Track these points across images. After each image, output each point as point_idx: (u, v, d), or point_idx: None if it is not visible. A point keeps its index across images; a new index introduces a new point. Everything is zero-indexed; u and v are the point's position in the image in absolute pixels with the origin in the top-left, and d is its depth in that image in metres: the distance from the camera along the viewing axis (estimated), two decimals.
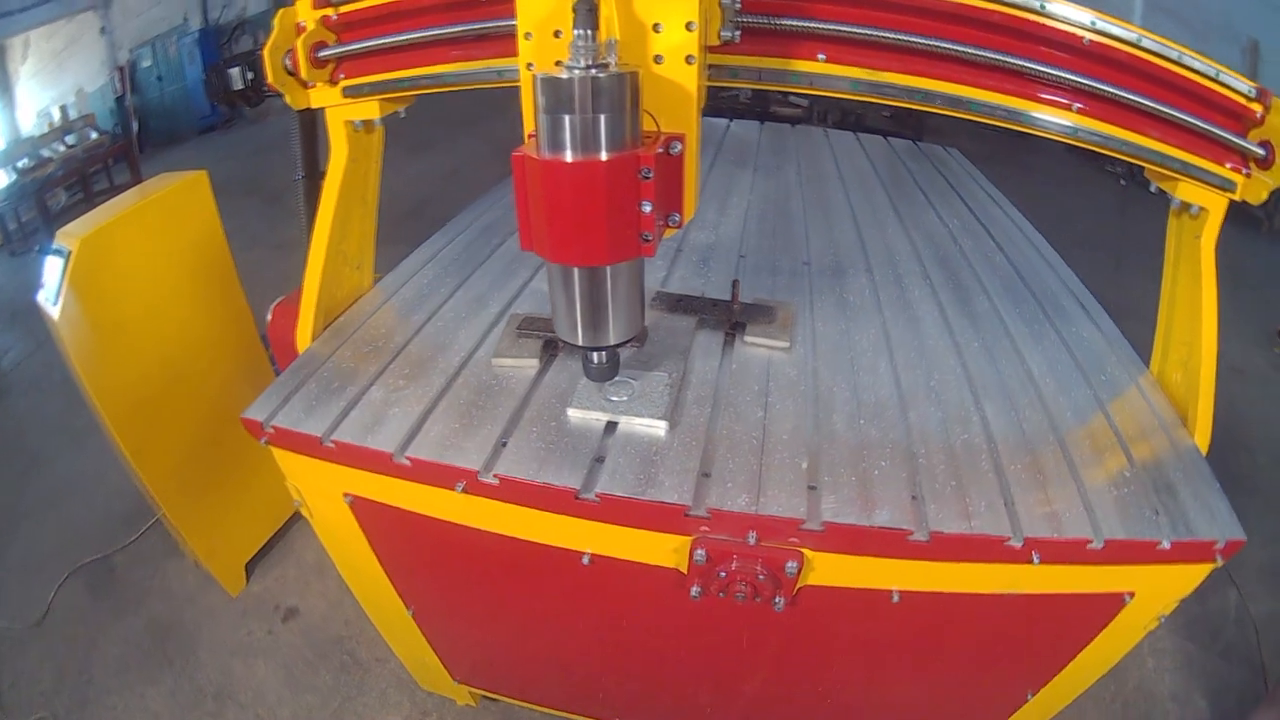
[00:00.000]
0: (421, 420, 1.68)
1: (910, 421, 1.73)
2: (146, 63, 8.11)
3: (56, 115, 6.99)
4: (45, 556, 3.36)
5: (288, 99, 1.88)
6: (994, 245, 2.75)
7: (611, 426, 1.67)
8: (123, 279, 2.51)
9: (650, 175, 1.23)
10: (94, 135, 7.10)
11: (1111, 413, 1.83)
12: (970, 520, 1.48)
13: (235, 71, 2.23)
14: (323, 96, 1.90)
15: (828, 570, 1.55)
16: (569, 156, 1.20)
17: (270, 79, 1.82)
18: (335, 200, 1.98)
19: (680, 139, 1.30)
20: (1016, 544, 1.45)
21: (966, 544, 1.46)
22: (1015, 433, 1.74)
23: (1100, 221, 6.79)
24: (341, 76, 1.86)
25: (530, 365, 1.85)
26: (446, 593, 2.07)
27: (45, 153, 6.68)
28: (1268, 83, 1.55)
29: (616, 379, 1.69)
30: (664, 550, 1.57)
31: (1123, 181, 7.74)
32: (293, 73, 1.82)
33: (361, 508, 1.80)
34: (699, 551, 1.51)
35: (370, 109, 1.89)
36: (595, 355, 1.51)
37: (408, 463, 1.59)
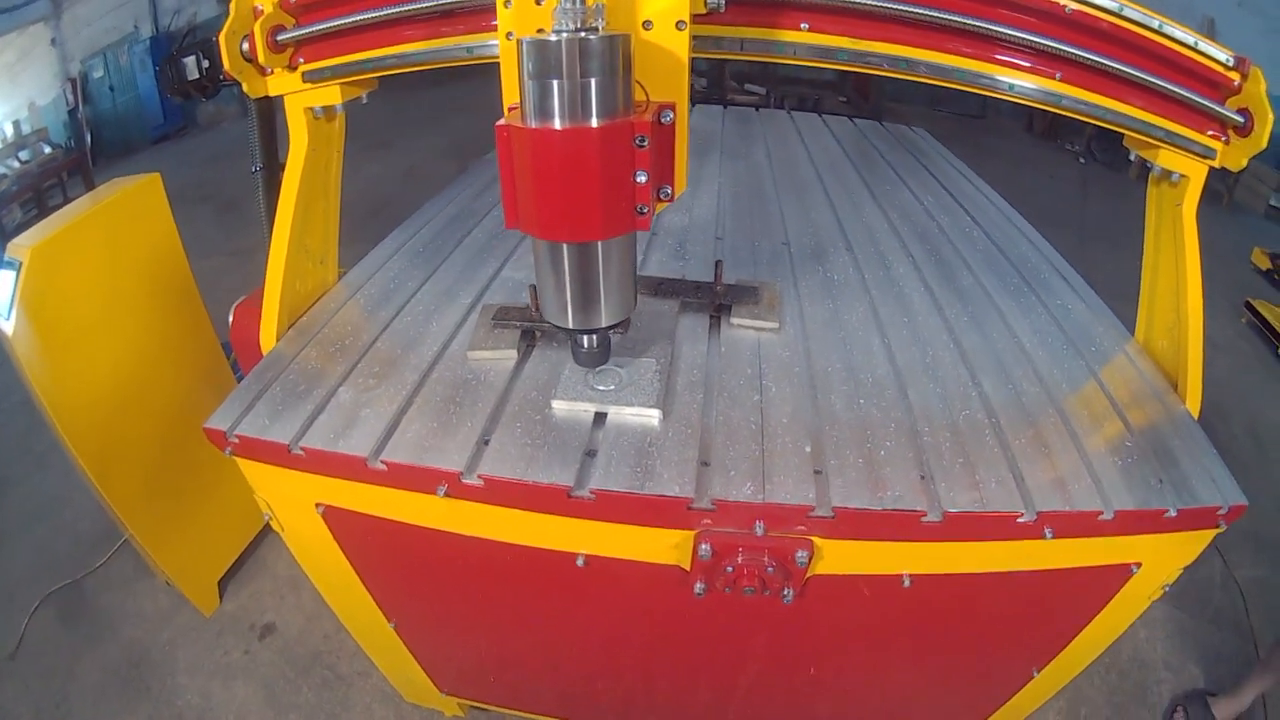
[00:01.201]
0: (395, 421, 1.54)
1: (910, 399, 1.64)
2: (98, 73, 7.82)
3: (9, 131, 6.69)
4: (15, 585, 3.19)
5: (245, 87, 1.75)
6: (970, 220, 2.69)
7: (601, 418, 1.54)
8: (77, 289, 2.36)
9: (646, 143, 1.13)
10: (47, 149, 6.82)
11: (1105, 382, 1.78)
12: (982, 497, 1.39)
13: (190, 61, 2.06)
14: (282, 83, 1.77)
15: (838, 558, 1.44)
16: (558, 124, 1.09)
17: (227, 66, 1.69)
18: (296, 192, 1.84)
19: (671, 108, 1.21)
20: (1029, 519, 1.38)
21: (980, 522, 1.38)
22: (1015, 406, 1.66)
23: (1061, 199, 6.82)
24: (301, 61, 1.74)
25: (508, 357, 1.72)
26: (431, 603, 1.93)
27: None
28: None
29: (603, 367, 1.58)
30: (665, 547, 1.45)
31: (1082, 160, 7.77)
32: (250, 59, 1.70)
33: (335, 518, 1.66)
34: (703, 546, 1.38)
35: (332, 94, 1.76)
36: (586, 339, 1.40)
37: (383, 467, 1.45)
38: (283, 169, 1.88)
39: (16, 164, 6.55)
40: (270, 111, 1.99)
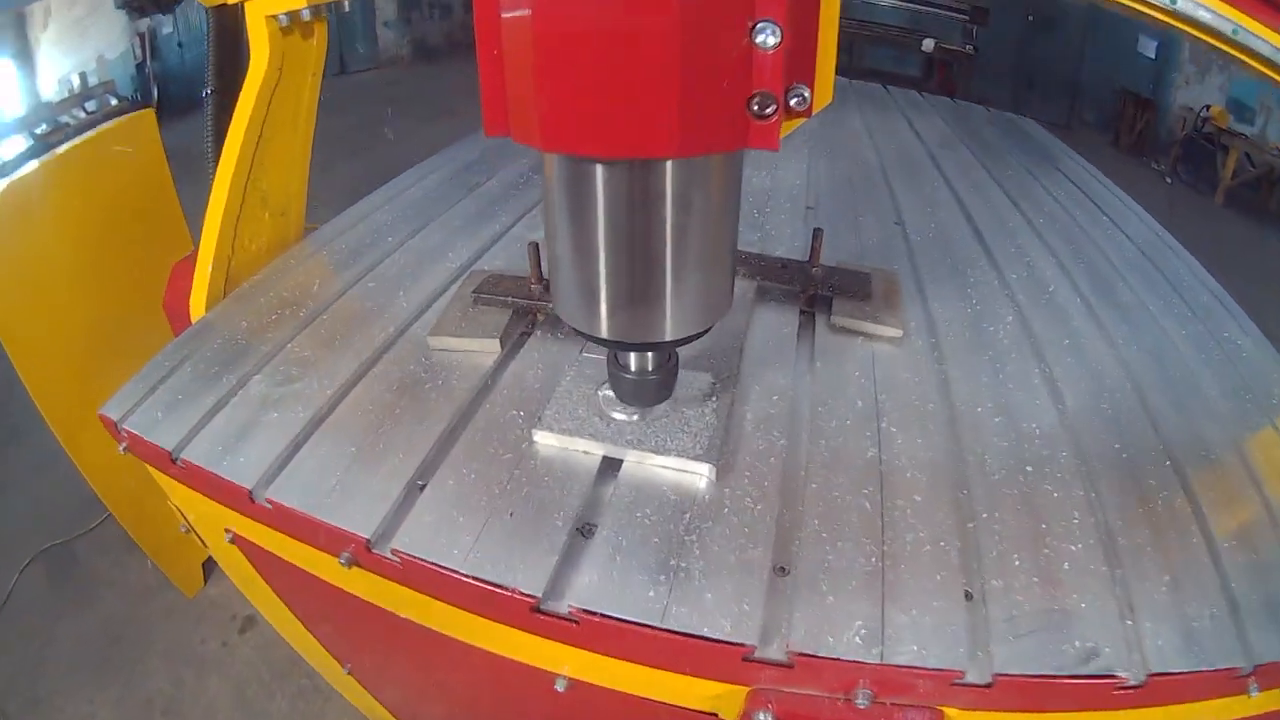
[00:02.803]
0: (306, 435, 0.96)
1: (1093, 468, 0.99)
2: (167, 29, 7.49)
3: (76, 82, 6.42)
4: (11, 538, 2.91)
5: None
6: (1110, 222, 2.01)
7: (612, 465, 0.92)
8: (51, 235, 1.97)
9: None
10: (114, 101, 6.50)
11: None
12: (1197, 645, 0.80)
13: None
14: None
15: None
16: None
17: None
18: (248, 121, 1.37)
19: None
20: (1245, 672, 0.81)
21: (1190, 685, 0.80)
22: (1218, 488, 1.04)
23: None
24: None
25: (487, 349, 1.11)
26: (380, 661, 1.37)
27: (64, 118, 6.12)
28: None
29: None
30: (698, 695, 0.82)
31: (1168, 179, 6.89)
32: None
33: (249, 549, 1.11)
34: (762, 715, 0.74)
35: None
36: (636, 359, 0.77)
37: (269, 506, 0.87)
38: None
39: (82, 114, 6.25)
40: (236, 23, 1.49)
